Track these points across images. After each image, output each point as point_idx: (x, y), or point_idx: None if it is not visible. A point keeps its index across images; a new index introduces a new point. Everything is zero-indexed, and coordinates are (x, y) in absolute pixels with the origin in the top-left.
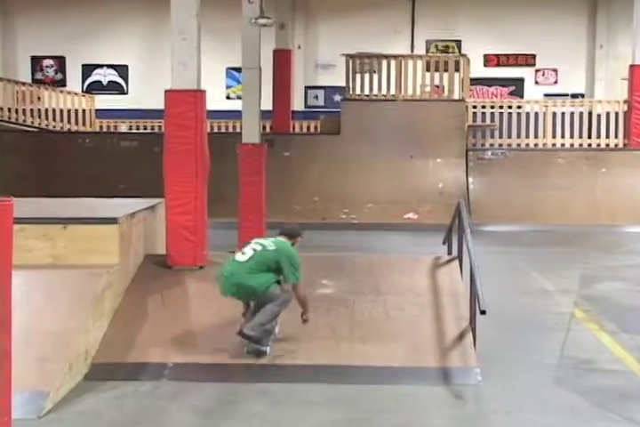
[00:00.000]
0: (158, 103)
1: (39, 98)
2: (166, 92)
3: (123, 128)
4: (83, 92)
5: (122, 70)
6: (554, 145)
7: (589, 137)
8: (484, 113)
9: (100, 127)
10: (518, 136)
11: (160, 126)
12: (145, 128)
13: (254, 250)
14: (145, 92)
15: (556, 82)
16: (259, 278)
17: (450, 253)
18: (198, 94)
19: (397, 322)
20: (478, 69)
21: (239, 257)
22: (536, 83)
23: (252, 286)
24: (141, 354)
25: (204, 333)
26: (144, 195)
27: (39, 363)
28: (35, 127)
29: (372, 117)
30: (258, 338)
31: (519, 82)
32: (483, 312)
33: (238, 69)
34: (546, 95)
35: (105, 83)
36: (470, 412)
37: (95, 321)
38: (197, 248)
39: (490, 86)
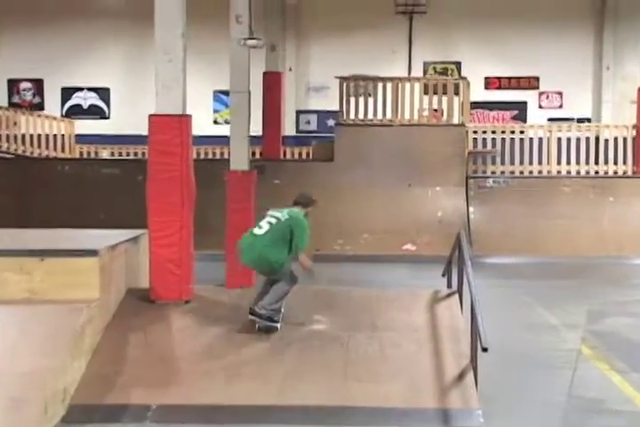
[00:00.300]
0: (142, 128)
1: (15, 123)
2: (150, 116)
3: (104, 154)
4: (62, 116)
5: (103, 93)
6: (559, 172)
7: (596, 164)
8: (484, 138)
9: (80, 153)
10: (521, 163)
11: (143, 153)
12: (127, 155)
13: (270, 223)
14: (128, 117)
15: (560, 106)
16: (276, 253)
17: (449, 286)
18: (184, 119)
19: (394, 360)
20: (479, 93)
21: (257, 231)
22: (540, 106)
23: (270, 260)
24: (123, 395)
25: (191, 372)
26: (126, 225)
27: (12, 404)
28: (11, 153)
29: (367, 143)
30: (268, 315)
31: (522, 106)
32: (484, 349)
33: (226, 93)
34: (550, 120)
35: (85, 106)
36: None
37: (74, 360)
38: (183, 282)
39: (491, 110)
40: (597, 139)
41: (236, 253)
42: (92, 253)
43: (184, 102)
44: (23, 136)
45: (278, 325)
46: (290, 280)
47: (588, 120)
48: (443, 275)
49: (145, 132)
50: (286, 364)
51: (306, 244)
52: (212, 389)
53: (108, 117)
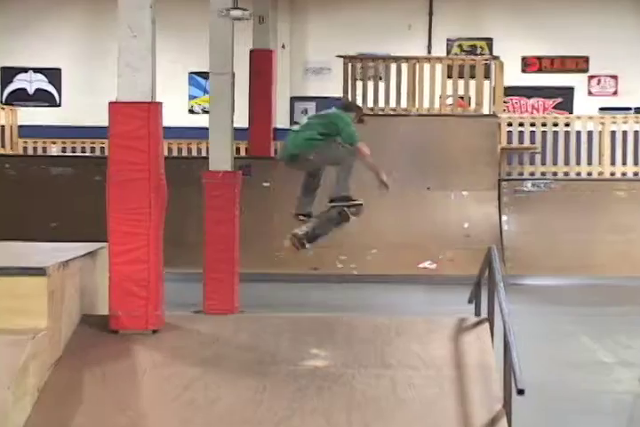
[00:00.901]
0: (100, 118)
1: None
2: (111, 104)
3: (54, 150)
4: (2, 103)
5: (53, 76)
6: (613, 174)
7: None
8: (521, 132)
9: (25, 149)
10: (566, 163)
11: (103, 148)
12: (83, 150)
13: (309, 118)
14: (83, 104)
15: (615, 92)
16: (320, 139)
17: (478, 313)
18: (152, 107)
19: (410, 404)
20: (515, 76)
21: (295, 128)
22: (589, 93)
23: (315, 140)
24: None
25: (160, 422)
26: (82, 237)
27: None
28: None
29: (377, 137)
30: (344, 197)
31: (568, 92)
32: (521, 392)
33: (205, 75)
34: (602, 109)
35: (31, 91)
36: None
37: (16, 402)
38: (150, 307)
39: (530, 98)
40: None
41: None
42: (39, 271)
43: (153, 87)
44: None
45: (360, 202)
46: (347, 159)
47: None
48: (469, 301)
49: (104, 123)
50: (277, 411)
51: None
52: None
53: (58, 105)
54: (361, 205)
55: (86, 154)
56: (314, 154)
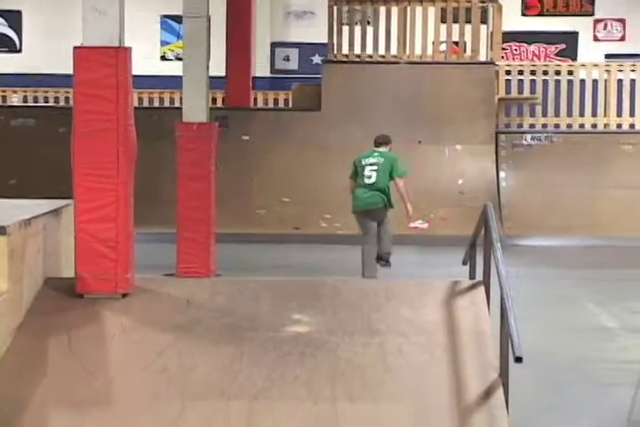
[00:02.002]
0: (64, 65)
1: None
2: (75, 49)
3: (14, 100)
4: None
5: (13, 19)
6: (619, 126)
7: None
8: (521, 81)
9: None
10: (569, 114)
11: (67, 98)
12: (46, 100)
13: (374, 170)
14: (46, 50)
15: (622, 38)
16: (387, 187)
17: (473, 276)
18: (121, 53)
19: (399, 373)
20: (514, 20)
21: (367, 180)
22: (595, 39)
23: (386, 193)
24: (38, 420)
25: (129, 390)
26: (45, 194)
27: None
28: None
29: (364, 87)
30: (387, 253)
31: (571, 38)
32: (518, 360)
33: (178, 19)
34: (608, 56)
35: None
36: None
37: None
38: (119, 269)
39: (530, 44)
40: None
41: (353, 201)
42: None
43: (121, 31)
44: None
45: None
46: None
47: None
48: (464, 262)
49: (69, 71)
50: (256, 380)
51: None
52: (158, 413)
53: (19, 51)
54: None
55: (49, 104)
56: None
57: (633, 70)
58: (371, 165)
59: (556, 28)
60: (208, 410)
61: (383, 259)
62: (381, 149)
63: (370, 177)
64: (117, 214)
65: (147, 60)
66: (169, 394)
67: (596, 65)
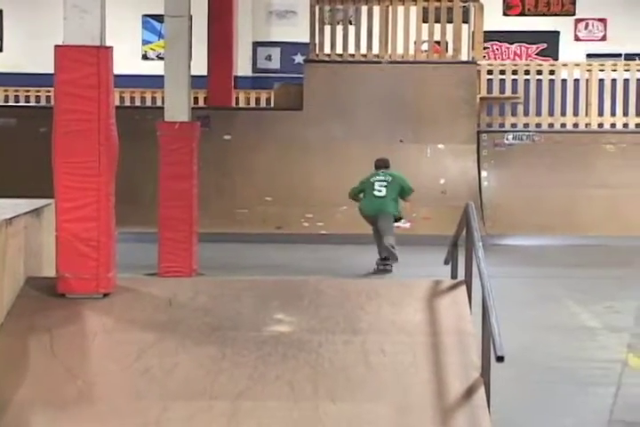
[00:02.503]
0: (46, 64)
1: None
2: (57, 48)
3: None
4: None
5: None
6: (601, 126)
7: None
8: (502, 80)
9: None
10: (551, 113)
11: (48, 97)
12: (27, 99)
13: (385, 187)
14: (27, 49)
15: (604, 37)
16: (395, 206)
17: (455, 276)
18: (102, 52)
19: (380, 372)
20: (496, 20)
21: (377, 193)
22: (576, 38)
23: (391, 212)
24: (20, 420)
25: (112, 391)
26: (26, 193)
27: None
28: None
29: (346, 86)
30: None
31: (552, 37)
32: (500, 359)
33: (159, 18)
34: (590, 56)
35: None
36: None
37: None
38: (101, 269)
39: (511, 43)
40: None
41: (360, 210)
42: None
43: (102, 30)
44: None
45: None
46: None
47: None
48: (446, 262)
49: (50, 70)
50: (238, 380)
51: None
52: (140, 413)
53: (0, 50)
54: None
55: (30, 103)
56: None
57: (614, 70)
58: (380, 181)
59: (537, 28)
60: (190, 410)
61: (381, 257)
62: (388, 172)
63: (380, 191)
64: (99, 214)
65: (128, 59)
66: (151, 394)
67: (577, 65)
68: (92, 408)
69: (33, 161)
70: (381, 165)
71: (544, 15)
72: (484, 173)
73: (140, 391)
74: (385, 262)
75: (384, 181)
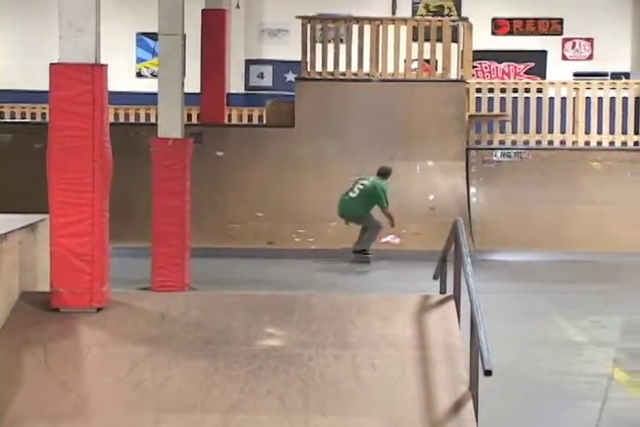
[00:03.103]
0: (41, 81)
1: None
2: (52, 66)
3: None
4: None
5: None
6: (587, 143)
7: (636, 133)
8: (491, 98)
9: None
10: (538, 131)
11: (44, 114)
12: (23, 116)
13: (360, 189)
14: (23, 66)
15: (590, 56)
16: (362, 209)
17: (443, 291)
18: (97, 70)
19: (370, 386)
20: (484, 39)
21: (351, 194)
22: (563, 58)
23: (357, 212)
24: None
25: (105, 404)
26: (22, 209)
27: None
28: None
29: (337, 104)
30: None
31: (540, 56)
32: (488, 373)
33: (154, 36)
34: (577, 75)
35: None
36: None
37: None
38: (95, 283)
39: (500, 62)
40: (638, 100)
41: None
42: None
43: (97, 48)
44: None
45: (370, 256)
46: (376, 226)
47: (626, 76)
48: (435, 277)
49: (46, 87)
50: (229, 393)
51: (387, 202)
52: (132, 426)
53: None
54: (369, 260)
55: (25, 120)
56: (356, 218)
57: (600, 88)
58: (362, 185)
59: (525, 47)
60: (182, 423)
61: (354, 252)
62: (375, 179)
63: (354, 192)
64: (93, 229)
65: (123, 76)
66: (144, 407)
67: (564, 83)
68: (86, 421)
69: (28, 177)
70: (379, 171)
71: (532, 35)
72: (472, 190)
73: (133, 404)
74: (363, 255)
75: (363, 185)
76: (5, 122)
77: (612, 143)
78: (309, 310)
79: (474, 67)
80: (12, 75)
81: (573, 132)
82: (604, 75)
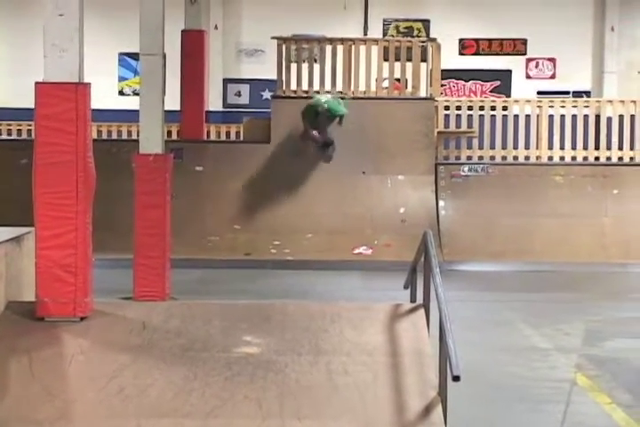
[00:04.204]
0: (26, 100)
1: None
2: (37, 84)
3: None
4: None
5: None
6: (550, 159)
7: (597, 148)
8: (459, 115)
9: None
10: (504, 147)
11: (29, 130)
12: (9, 133)
13: None
14: (8, 85)
15: (553, 76)
16: None
17: (414, 300)
18: (80, 88)
19: (343, 391)
20: (452, 59)
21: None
22: (527, 76)
23: None
24: None
25: (88, 410)
26: (7, 222)
27: None
28: None
29: None
30: None
31: (505, 75)
32: (456, 378)
33: (135, 56)
34: (540, 93)
35: None
36: None
37: None
38: (78, 293)
39: (467, 81)
40: (598, 117)
41: None
42: None
43: (81, 68)
44: None
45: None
46: None
47: (588, 94)
48: (405, 287)
49: (31, 105)
50: (208, 400)
51: None
52: None
53: None
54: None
55: (11, 137)
56: None
57: (563, 106)
58: None
59: (491, 67)
60: (161, 417)
61: None
62: None
63: None
64: (77, 241)
65: (106, 95)
66: (125, 412)
67: (528, 101)
68: (70, 425)
69: (15, 191)
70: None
71: (497, 55)
72: (441, 203)
73: (115, 410)
74: None
75: None
76: None
77: (573, 158)
78: (285, 318)
79: (442, 85)
80: (1, 92)
81: (537, 148)
82: (566, 93)
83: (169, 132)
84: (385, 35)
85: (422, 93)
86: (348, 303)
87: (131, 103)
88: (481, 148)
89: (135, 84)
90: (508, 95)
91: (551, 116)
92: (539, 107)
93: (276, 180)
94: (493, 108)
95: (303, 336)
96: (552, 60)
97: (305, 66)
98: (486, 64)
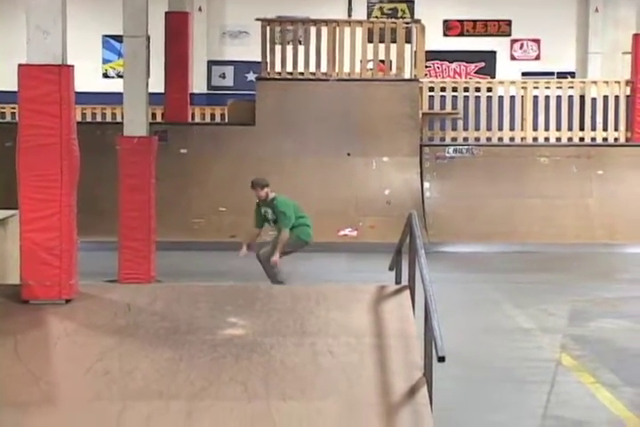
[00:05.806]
0: (10, 82)
1: None
2: (20, 67)
3: None
4: None
5: None
6: (535, 140)
7: (581, 129)
8: (443, 97)
9: None
10: (489, 128)
11: (13, 113)
12: None
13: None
14: None
15: (537, 57)
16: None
17: (399, 281)
18: (64, 70)
19: (329, 372)
20: (436, 40)
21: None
22: (512, 58)
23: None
24: None
25: (73, 392)
26: None
27: None
28: None
29: (296, 102)
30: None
31: (490, 56)
32: (441, 359)
33: (119, 38)
34: (525, 74)
35: None
36: None
37: None
38: (63, 276)
39: (451, 62)
40: (583, 98)
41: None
42: None
43: (64, 50)
44: None
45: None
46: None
47: (572, 75)
48: (390, 268)
49: (14, 88)
50: (194, 381)
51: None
52: (100, 413)
53: None
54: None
55: None
56: None
57: (547, 87)
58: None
59: (475, 48)
60: (148, 410)
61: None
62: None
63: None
64: (61, 224)
65: (90, 77)
66: (110, 395)
67: (513, 82)
68: (54, 409)
69: None
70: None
71: (482, 36)
72: (426, 185)
73: (101, 392)
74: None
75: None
76: None
77: (558, 139)
78: (270, 300)
79: (426, 66)
80: None
81: (522, 129)
82: (551, 74)
83: (153, 115)
84: (369, 16)
85: (407, 75)
86: (333, 285)
87: (115, 86)
88: (466, 129)
89: (119, 66)
90: (493, 76)
91: (536, 97)
92: (523, 88)
93: (261, 162)
94: (478, 90)
95: (288, 318)
96: (536, 41)
97: (289, 48)
98: (471, 45)
